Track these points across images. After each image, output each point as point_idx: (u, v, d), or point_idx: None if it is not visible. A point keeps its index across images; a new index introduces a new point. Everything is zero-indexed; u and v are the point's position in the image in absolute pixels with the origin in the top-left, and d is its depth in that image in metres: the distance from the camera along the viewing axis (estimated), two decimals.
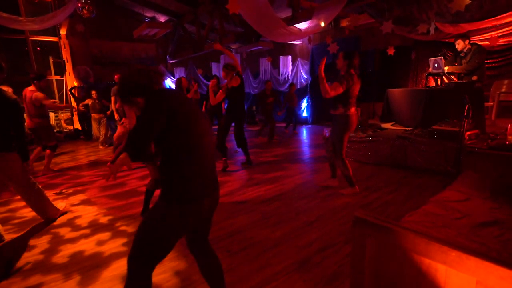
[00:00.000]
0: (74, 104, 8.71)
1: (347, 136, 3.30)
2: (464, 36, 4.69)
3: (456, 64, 4.90)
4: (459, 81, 4.77)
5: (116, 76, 5.97)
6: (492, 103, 5.33)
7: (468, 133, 3.78)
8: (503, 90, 5.34)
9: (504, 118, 5.24)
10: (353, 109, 3.18)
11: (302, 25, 5.95)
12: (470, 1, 3.77)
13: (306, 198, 3.36)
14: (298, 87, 9.57)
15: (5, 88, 2.83)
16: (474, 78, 4.61)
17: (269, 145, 6.55)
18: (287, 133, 7.98)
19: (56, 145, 4.80)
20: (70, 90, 8.31)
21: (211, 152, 1.43)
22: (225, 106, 6.38)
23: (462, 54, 4.77)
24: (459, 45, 4.67)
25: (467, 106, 2.85)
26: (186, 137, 1.29)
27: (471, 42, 4.73)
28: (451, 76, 4.92)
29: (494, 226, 1.62)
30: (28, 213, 3.24)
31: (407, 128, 4.95)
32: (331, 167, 3.70)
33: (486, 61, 5.65)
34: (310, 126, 8.43)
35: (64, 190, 3.98)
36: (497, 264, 0.87)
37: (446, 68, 4.77)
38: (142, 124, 1.22)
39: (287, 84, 9.99)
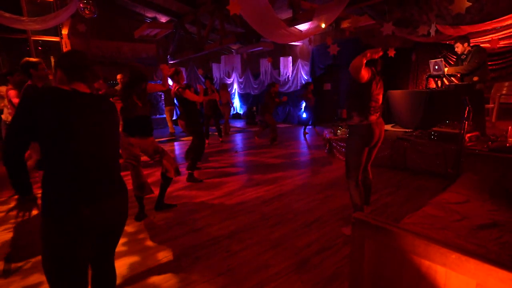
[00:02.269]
0: None
1: (365, 153, 2.51)
2: (463, 38, 4.69)
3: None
4: (460, 83, 4.77)
5: (118, 76, 5.96)
6: (492, 105, 5.34)
7: (468, 135, 3.78)
8: (504, 92, 5.34)
9: (505, 120, 5.24)
10: (374, 117, 2.42)
11: (303, 26, 5.95)
12: (471, 4, 3.78)
13: (305, 199, 3.36)
14: (298, 88, 9.58)
15: (3, 88, 2.87)
16: (475, 79, 4.60)
17: (268, 146, 6.55)
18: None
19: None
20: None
21: (104, 162, 1.29)
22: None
23: (463, 57, 4.78)
24: (458, 48, 4.68)
25: (467, 108, 2.85)
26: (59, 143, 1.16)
27: (471, 44, 4.73)
28: (452, 78, 4.92)
29: (493, 228, 1.62)
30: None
31: (407, 130, 4.95)
32: (363, 189, 2.71)
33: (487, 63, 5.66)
34: (310, 127, 8.44)
35: None
36: (497, 267, 0.88)
37: (446, 69, 4.78)
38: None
39: (287, 85, 10.01)
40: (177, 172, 3.08)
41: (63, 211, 1.16)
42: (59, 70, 1.28)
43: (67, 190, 1.18)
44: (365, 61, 2.17)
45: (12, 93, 3.93)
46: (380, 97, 2.46)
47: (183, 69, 11.37)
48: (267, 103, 6.63)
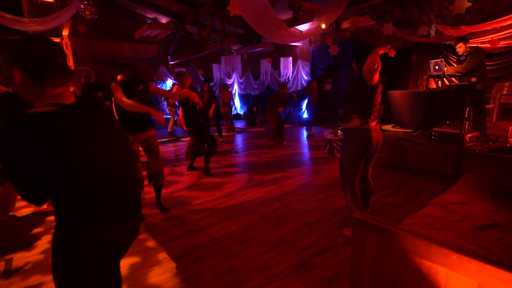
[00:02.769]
0: None
1: (363, 160, 2.34)
2: (465, 39, 4.70)
3: None
4: (460, 83, 4.77)
5: (119, 76, 5.98)
6: (493, 105, 5.33)
7: (469, 135, 3.78)
8: (504, 92, 5.34)
9: (505, 121, 5.23)
10: (373, 123, 2.29)
11: (303, 27, 5.96)
12: (471, 4, 3.78)
13: (306, 199, 3.36)
14: (299, 88, 9.59)
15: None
16: (473, 79, 4.61)
17: (269, 147, 6.55)
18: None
19: None
20: None
21: (115, 180, 1.08)
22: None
23: (462, 58, 4.79)
24: (461, 48, 4.68)
25: (467, 108, 2.85)
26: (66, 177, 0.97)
27: (470, 45, 4.75)
28: (452, 78, 4.92)
29: (494, 229, 1.62)
30: (29, 211, 3.26)
31: (407, 130, 4.94)
32: (362, 196, 2.56)
33: (487, 63, 5.66)
34: (312, 126, 8.44)
35: None
36: (498, 267, 0.87)
37: (445, 69, 4.78)
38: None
39: (288, 85, 10.02)
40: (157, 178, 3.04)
41: (79, 235, 1.00)
42: (18, 70, 0.97)
43: (81, 213, 1.00)
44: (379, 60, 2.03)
45: None
46: (379, 101, 2.33)
47: (183, 70, 11.39)
48: (276, 104, 6.67)
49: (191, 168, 4.76)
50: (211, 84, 11.40)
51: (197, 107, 4.30)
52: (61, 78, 1.01)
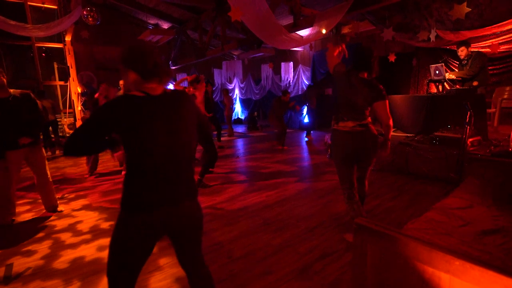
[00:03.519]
0: (77, 111, 8.78)
1: (345, 164, 2.32)
2: (466, 43, 4.72)
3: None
4: (462, 87, 4.77)
5: (121, 82, 6.01)
6: (494, 109, 5.33)
7: (470, 139, 3.77)
8: (505, 96, 5.34)
9: (507, 125, 5.23)
10: (346, 123, 2.28)
11: (304, 32, 6.00)
12: (470, 9, 3.80)
13: (307, 204, 3.34)
14: (300, 93, 9.61)
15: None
16: (475, 83, 4.62)
17: (271, 151, 6.55)
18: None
19: None
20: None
21: (173, 164, 1.25)
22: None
23: (464, 62, 4.80)
24: (463, 51, 4.69)
25: (468, 112, 2.84)
26: (135, 144, 1.19)
27: (471, 49, 4.76)
28: (455, 80, 4.93)
29: (497, 234, 1.61)
30: (29, 217, 3.26)
31: (408, 135, 4.94)
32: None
33: (488, 68, 5.67)
34: (311, 132, 8.44)
35: (66, 195, 3.98)
36: (502, 274, 0.86)
37: (447, 74, 4.79)
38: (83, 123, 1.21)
39: (289, 90, 10.04)
40: None
41: (134, 208, 1.21)
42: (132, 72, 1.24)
43: (139, 190, 1.21)
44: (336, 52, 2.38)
45: None
46: (359, 102, 2.24)
47: (184, 75, 11.46)
48: (278, 110, 6.71)
49: (202, 184, 4.15)
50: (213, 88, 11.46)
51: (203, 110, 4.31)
52: (160, 76, 1.25)
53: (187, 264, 1.41)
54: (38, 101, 3.14)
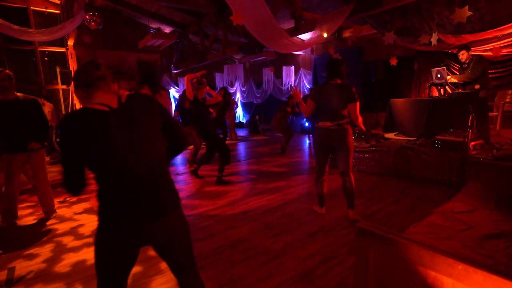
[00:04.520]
0: None
1: (320, 154, 2.98)
2: (467, 47, 4.73)
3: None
4: (463, 90, 4.77)
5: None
6: (496, 113, 5.32)
7: (472, 143, 3.76)
8: (507, 100, 5.33)
9: (509, 128, 5.21)
10: (324, 123, 2.84)
11: (305, 36, 6.02)
12: (471, 13, 3.81)
13: (308, 208, 3.33)
14: (301, 97, 9.63)
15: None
16: (477, 87, 4.62)
17: (272, 155, 6.54)
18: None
19: None
20: None
21: (146, 179, 1.18)
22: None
23: (465, 66, 4.80)
24: (464, 55, 4.70)
25: (471, 116, 2.84)
26: (99, 168, 1.15)
27: (472, 53, 4.78)
28: (457, 84, 4.93)
29: (500, 239, 1.60)
30: (31, 220, 3.26)
31: (410, 138, 4.93)
32: (345, 194, 3.07)
33: (489, 71, 5.67)
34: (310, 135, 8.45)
35: (67, 199, 3.99)
36: (505, 278, 0.86)
37: (448, 78, 4.79)
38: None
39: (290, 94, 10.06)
40: None
41: (107, 226, 1.18)
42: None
43: (109, 207, 1.18)
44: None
45: None
46: (332, 103, 2.77)
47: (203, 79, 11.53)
48: (283, 114, 6.73)
49: (195, 172, 4.76)
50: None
51: (212, 116, 4.36)
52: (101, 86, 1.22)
53: (177, 273, 1.37)
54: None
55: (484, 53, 5.36)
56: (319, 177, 3.05)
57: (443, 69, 4.83)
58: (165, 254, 1.31)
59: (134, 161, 1.16)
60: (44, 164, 3.27)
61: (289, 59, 10.25)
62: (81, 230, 2.99)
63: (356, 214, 2.98)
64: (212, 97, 4.67)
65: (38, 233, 2.95)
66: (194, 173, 4.75)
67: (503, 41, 4.90)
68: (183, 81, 11.44)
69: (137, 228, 1.19)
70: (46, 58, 9.24)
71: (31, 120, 3.02)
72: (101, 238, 1.20)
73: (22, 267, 2.33)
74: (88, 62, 1.24)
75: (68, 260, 2.41)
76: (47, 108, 6.75)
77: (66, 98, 9.68)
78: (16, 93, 3.00)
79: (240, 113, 12.89)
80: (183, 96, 5.70)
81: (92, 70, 1.20)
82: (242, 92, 12.32)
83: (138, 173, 1.17)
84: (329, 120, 2.80)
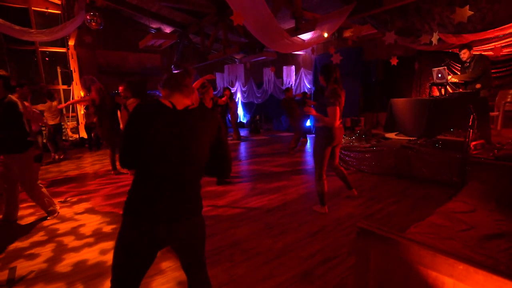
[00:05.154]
0: (80, 114, 8.84)
1: (329, 152, 3.10)
2: (468, 45, 4.72)
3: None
4: (465, 90, 4.76)
5: (120, 88, 6.03)
6: (497, 113, 5.31)
7: (473, 143, 3.75)
8: (508, 100, 5.32)
9: (510, 128, 5.20)
10: (337, 123, 3.02)
11: (306, 36, 6.02)
12: (472, 12, 3.80)
13: (309, 208, 3.33)
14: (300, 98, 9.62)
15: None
16: (478, 86, 4.61)
17: (272, 155, 6.54)
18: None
19: None
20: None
21: (178, 180, 1.25)
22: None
23: (466, 65, 4.79)
24: (465, 54, 4.69)
25: (471, 116, 2.83)
26: (144, 155, 1.23)
27: (473, 52, 4.77)
28: (458, 84, 4.92)
29: (501, 239, 1.60)
30: (32, 220, 3.26)
31: (411, 138, 4.92)
32: (342, 180, 3.52)
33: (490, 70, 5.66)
34: (313, 135, 8.43)
35: (68, 199, 3.99)
36: (507, 279, 0.86)
37: (449, 77, 4.79)
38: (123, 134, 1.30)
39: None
40: None
41: (134, 216, 1.23)
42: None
43: (139, 202, 1.23)
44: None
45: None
46: (343, 103, 3.04)
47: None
48: (294, 112, 6.68)
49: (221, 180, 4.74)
50: (215, 92, 11.53)
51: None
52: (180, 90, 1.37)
53: (188, 271, 1.43)
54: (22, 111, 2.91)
55: (485, 53, 5.36)
56: (322, 175, 3.12)
57: (444, 69, 4.83)
58: (184, 254, 1.37)
59: (175, 159, 1.24)
60: (26, 170, 3.03)
61: (290, 59, 10.25)
62: (82, 230, 3.00)
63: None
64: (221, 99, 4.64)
65: (39, 233, 2.95)
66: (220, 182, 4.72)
67: (504, 41, 4.89)
68: None
69: (166, 226, 1.24)
70: (47, 58, 9.25)
71: (4, 126, 2.77)
72: (129, 228, 1.24)
73: (23, 267, 2.34)
74: (182, 69, 1.40)
75: (69, 260, 2.42)
76: (44, 107, 6.65)
77: (67, 99, 9.70)
78: (8, 94, 2.83)
79: (240, 113, 12.90)
80: None
81: (185, 77, 1.37)
82: (242, 92, 12.32)
83: (177, 173, 1.24)
84: (339, 119, 3.06)
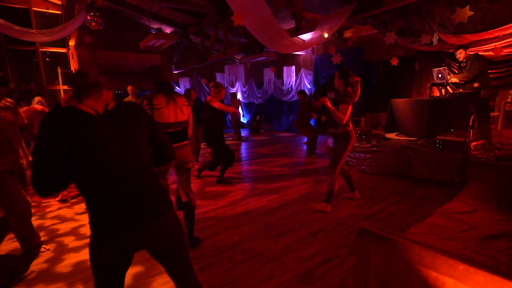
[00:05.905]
0: None
1: (347, 153, 3.25)
2: (464, 46, 4.74)
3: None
4: (464, 91, 4.76)
5: (129, 87, 6.02)
6: (497, 113, 5.30)
7: (473, 143, 3.75)
8: (509, 100, 5.31)
9: (510, 128, 5.20)
10: (351, 125, 3.18)
11: (306, 36, 6.02)
12: (472, 13, 3.80)
13: (309, 208, 3.33)
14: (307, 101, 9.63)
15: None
16: (476, 85, 4.61)
17: (273, 155, 6.54)
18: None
19: None
20: None
21: (127, 180, 1.18)
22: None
23: (462, 64, 4.81)
24: (461, 54, 4.71)
25: (472, 116, 2.83)
26: (82, 166, 1.11)
27: (469, 52, 4.80)
28: (458, 84, 4.92)
29: (501, 239, 1.60)
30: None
31: (411, 138, 4.92)
32: (346, 180, 3.56)
33: (490, 71, 5.66)
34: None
35: (69, 199, 3.99)
36: (507, 279, 0.86)
37: (448, 77, 4.79)
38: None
39: (291, 94, 10.07)
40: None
41: (99, 231, 1.17)
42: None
43: (100, 214, 1.16)
44: (336, 112, 3.04)
45: None
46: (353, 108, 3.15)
47: (186, 79, 11.53)
48: (305, 114, 6.31)
49: (199, 177, 4.83)
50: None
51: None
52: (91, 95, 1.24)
53: (175, 278, 1.37)
54: None
55: (485, 53, 5.35)
56: (337, 174, 3.23)
57: (444, 69, 4.83)
58: (160, 257, 1.31)
59: (122, 165, 1.16)
60: (8, 191, 2.35)
61: (290, 59, 10.25)
62: (82, 230, 3.00)
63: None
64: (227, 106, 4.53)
65: (39, 233, 2.95)
66: (198, 177, 4.82)
67: (504, 41, 4.88)
68: (184, 81, 11.50)
69: (130, 232, 1.18)
70: (47, 59, 9.25)
71: None
72: (95, 243, 1.19)
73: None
74: (76, 72, 1.28)
75: (69, 260, 2.42)
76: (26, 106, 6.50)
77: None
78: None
79: (240, 114, 12.91)
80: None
81: (82, 79, 1.24)
82: (243, 92, 12.32)
83: (126, 177, 1.17)
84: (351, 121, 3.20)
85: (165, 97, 2.34)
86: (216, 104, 4.11)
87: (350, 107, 3.02)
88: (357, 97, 3.19)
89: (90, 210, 1.17)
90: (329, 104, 3.04)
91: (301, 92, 6.56)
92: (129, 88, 6.00)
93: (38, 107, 3.47)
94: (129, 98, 5.85)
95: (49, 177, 1.06)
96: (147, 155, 1.29)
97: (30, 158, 2.43)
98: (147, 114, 1.37)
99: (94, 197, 1.16)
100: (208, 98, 4.17)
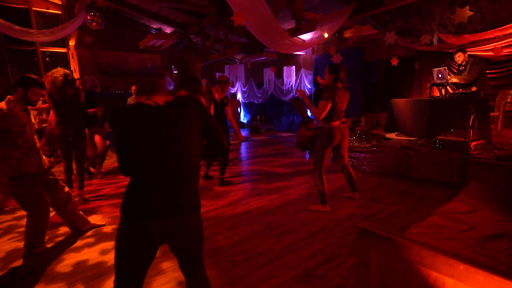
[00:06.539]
0: None
1: (328, 150, 3.17)
2: (463, 49, 4.77)
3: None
4: (464, 91, 4.77)
5: (133, 87, 6.01)
6: (497, 113, 5.31)
7: (473, 143, 3.75)
8: (509, 100, 5.32)
9: (510, 128, 5.20)
10: (336, 122, 3.09)
11: (306, 36, 6.02)
12: (472, 13, 3.80)
13: (309, 208, 3.33)
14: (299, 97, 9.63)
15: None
16: (474, 89, 4.63)
17: (273, 155, 6.54)
18: None
19: None
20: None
21: (172, 175, 1.25)
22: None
23: (461, 68, 4.83)
24: (460, 57, 4.74)
25: (472, 116, 2.83)
26: (136, 154, 1.24)
27: (468, 54, 4.81)
28: (458, 84, 4.93)
29: (502, 239, 1.60)
30: None
31: (411, 138, 4.92)
32: (348, 181, 3.52)
33: (490, 71, 5.66)
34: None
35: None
36: (507, 279, 0.86)
37: (448, 78, 4.80)
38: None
39: (291, 94, 10.07)
40: None
41: (130, 214, 1.24)
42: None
43: (136, 197, 1.24)
44: (313, 107, 3.08)
45: None
46: (345, 105, 3.14)
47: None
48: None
49: (207, 176, 4.75)
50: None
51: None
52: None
53: (186, 270, 1.43)
54: None
55: (485, 53, 5.36)
56: (321, 175, 3.18)
57: (444, 69, 4.83)
58: (181, 252, 1.37)
59: (165, 153, 1.24)
60: (29, 193, 2.46)
61: (290, 59, 10.25)
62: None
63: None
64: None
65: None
66: (206, 177, 4.74)
67: (504, 41, 4.89)
68: None
69: (155, 221, 1.23)
70: (47, 59, 9.26)
71: None
72: (122, 227, 1.26)
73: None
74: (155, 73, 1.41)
75: (70, 260, 2.42)
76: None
77: None
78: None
79: (241, 113, 12.90)
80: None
81: (159, 79, 1.38)
82: (243, 92, 12.32)
83: (167, 166, 1.24)
84: (338, 119, 3.12)
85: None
86: (229, 115, 4.26)
87: (329, 104, 2.99)
88: (343, 100, 3.11)
89: (128, 190, 1.27)
90: (304, 96, 3.08)
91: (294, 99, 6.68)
92: (133, 88, 5.99)
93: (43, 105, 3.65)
94: (133, 98, 5.85)
95: (126, 162, 1.26)
96: (193, 149, 1.33)
97: (44, 158, 2.59)
98: (201, 104, 1.42)
99: (134, 180, 1.26)
100: (213, 88, 4.17)
